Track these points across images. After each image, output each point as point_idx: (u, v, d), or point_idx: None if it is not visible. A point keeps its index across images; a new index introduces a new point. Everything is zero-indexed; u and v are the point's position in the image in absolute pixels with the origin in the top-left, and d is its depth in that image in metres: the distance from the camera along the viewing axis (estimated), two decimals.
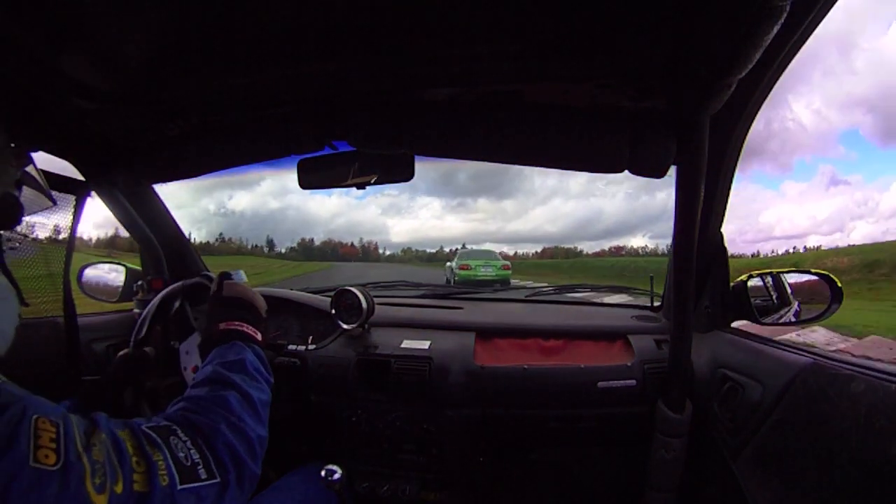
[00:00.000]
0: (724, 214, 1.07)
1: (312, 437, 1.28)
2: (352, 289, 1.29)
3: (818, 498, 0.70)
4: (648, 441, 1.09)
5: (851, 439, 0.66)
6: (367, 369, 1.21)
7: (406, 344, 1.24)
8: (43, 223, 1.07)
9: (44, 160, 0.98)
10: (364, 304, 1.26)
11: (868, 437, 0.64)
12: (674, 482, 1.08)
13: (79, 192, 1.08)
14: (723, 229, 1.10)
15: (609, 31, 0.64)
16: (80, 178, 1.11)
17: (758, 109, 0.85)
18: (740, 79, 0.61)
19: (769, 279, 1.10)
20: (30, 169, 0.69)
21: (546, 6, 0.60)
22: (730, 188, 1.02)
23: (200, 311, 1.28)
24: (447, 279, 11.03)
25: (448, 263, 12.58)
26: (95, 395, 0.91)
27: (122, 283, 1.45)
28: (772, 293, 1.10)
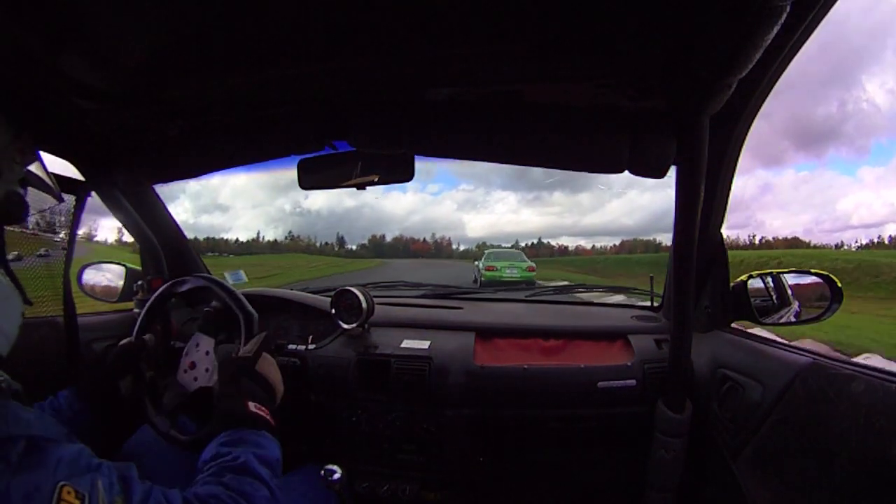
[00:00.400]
0: (724, 214, 1.07)
1: (312, 437, 1.28)
2: (352, 289, 1.29)
3: (818, 498, 0.70)
4: (648, 441, 1.09)
5: (851, 439, 0.66)
6: (367, 369, 1.21)
7: (406, 344, 1.24)
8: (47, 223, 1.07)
9: (44, 160, 0.99)
10: (364, 304, 1.26)
11: (868, 437, 0.64)
12: (674, 482, 1.08)
13: (79, 192, 1.08)
14: (723, 229, 1.10)
15: (609, 31, 0.64)
16: (80, 178, 1.11)
17: (758, 109, 0.85)
18: (740, 79, 0.61)
19: (769, 279, 1.10)
20: (34, 167, 0.68)
21: (546, 6, 0.60)
22: (730, 188, 1.02)
23: (200, 311, 1.28)
24: (475, 278, 11.27)
25: (476, 262, 12.85)
26: (95, 383, 0.91)
27: (122, 283, 1.45)
28: (772, 293, 1.10)
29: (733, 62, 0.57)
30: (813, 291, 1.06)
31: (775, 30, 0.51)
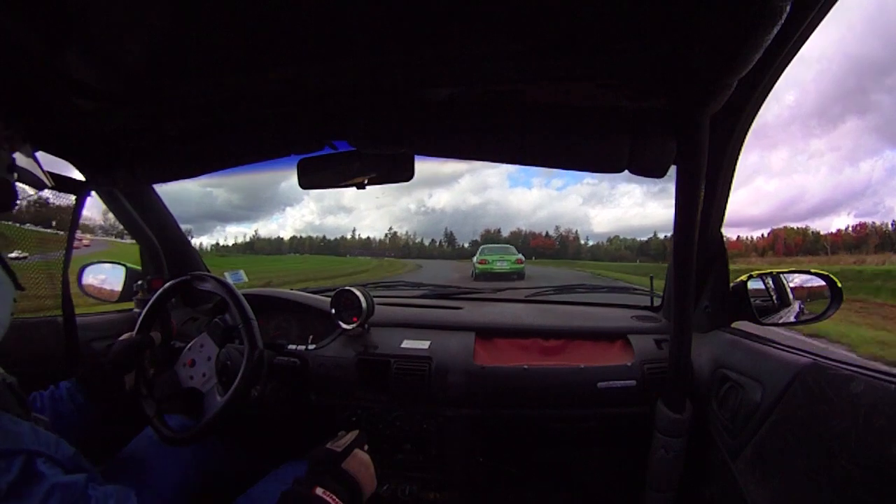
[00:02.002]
0: (724, 214, 1.07)
1: (312, 437, 1.28)
2: (352, 289, 1.29)
3: (817, 498, 0.70)
4: (648, 441, 1.09)
5: (851, 439, 0.66)
6: (366, 369, 1.21)
7: (406, 344, 1.24)
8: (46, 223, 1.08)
9: (44, 160, 0.99)
10: (364, 304, 1.26)
11: (868, 438, 0.64)
12: (674, 482, 1.08)
13: (79, 192, 1.08)
14: (722, 229, 1.10)
15: (609, 31, 0.64)
16: (80, 178, 1.11)
17: (758, 109, 0.85)
18: (740, 79, 0.61)
19: (769, 280, 1.10)
20: (19, 156, 0.67)
21: (546, 6, 0.60)
22: (730, 188, 1.02)
23: (200, 311, 1.28)
24: (472, 272, 12.15)
25: (473, 259, 13.78)
26: (95, 377, 0.91)
27: (121, 283, 1.45)
28: (772, 294, 1.10)
29: (733, 62, 0.57)
30: (813, 292, 1.06)
31: (775, 30, 0.51)
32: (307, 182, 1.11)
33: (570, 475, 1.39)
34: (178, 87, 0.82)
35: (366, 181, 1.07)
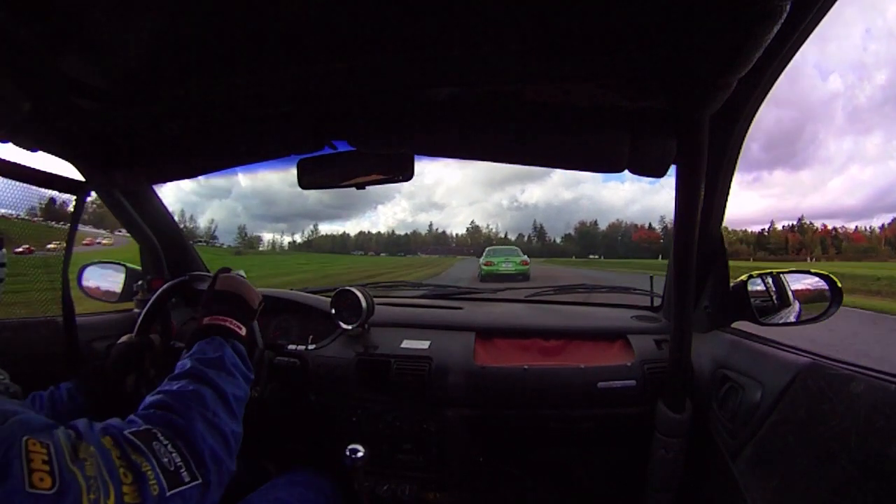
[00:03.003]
0: (724, 214, 1.07)
1: (312, 437, 1.28)
2: (352, 289, 1.29)
3: (817, 498, 0.70)
4: (648, 441, 1.09)
5: (851, 439, 0.66)
6: (366, 369, 1.21)
7: (406, 344, 1.24)
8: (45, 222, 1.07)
9: (44, 160, 0.99)
10: (364, 304, 1.26)
11: (867, 438, 0.64)
12: (674, 482, 1.08)
13: (79, 192, 1.08)
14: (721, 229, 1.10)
15: (609, 31, 0.64)
16: (80, 178, 1.11)
17: (758, 109, 0.85)
18: (740, 79, 0.61)
19: (769, 280, 1.10)
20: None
21: (546, 6, 0.60)
22: (730, 188, 1.02)
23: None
24: (478, 273, 12.36)
25: (479, 260, 14.06)
26: (96, 378, 0.91)
27: (122, 283, 1.45)
28: (772, 294, 1.10)
29: (733, 62, 0.57)
30: (813, 292, 1.06)
31: (775, 30, 0.51)
32: (307, 182, 1.11)
33: (570, 475, 1.39)
34: (178, 87, 0.82)
35: (367, 181, 1.07)
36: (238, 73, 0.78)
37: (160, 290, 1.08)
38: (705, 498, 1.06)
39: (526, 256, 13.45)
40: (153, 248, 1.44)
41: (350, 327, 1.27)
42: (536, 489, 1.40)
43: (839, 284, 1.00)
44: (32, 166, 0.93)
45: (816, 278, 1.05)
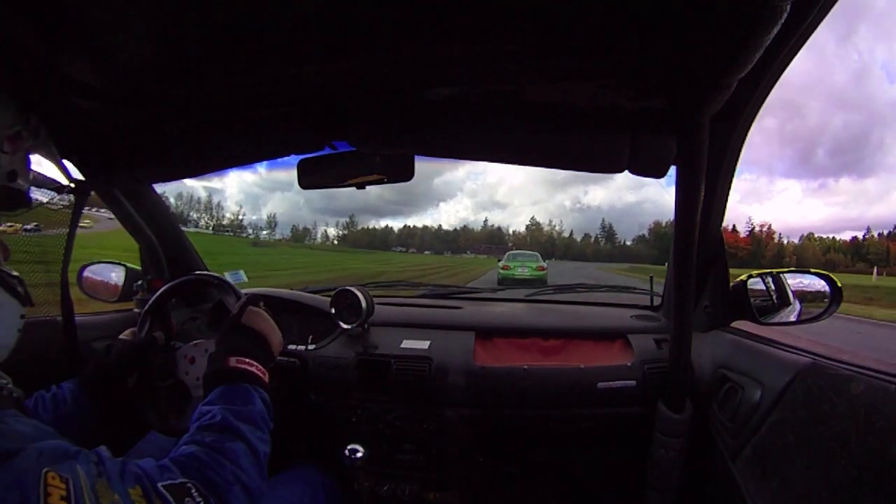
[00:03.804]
0: (724, 214, 1.07)
1: (312, 437, 1.28)
2: (351, 288, 1.29)
3: (817, 498, 0.70)
4: (648, 441, 1.09)
5: (851, 440, 0.66)
6: (366, 369, 1.21)
7: (406, 344, 1.24)
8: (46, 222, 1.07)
9: (44, 160, 0.98)
10: (364, 304, 1.26)
11: (867, 438, 0.64)
12: (674, 482, 1.08)
13: (79, 193, 1.08)
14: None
15: (609, 31, 0.64)
16: (81, 178, 1.11)
17: (758, 109, 0.85)
18: (740, 79, 0.61)
19: (769, 279, 1.10)
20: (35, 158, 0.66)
21: (546, 6, 0.60)
22: (730, 188, 1.02)
23: (200, 310, 1.28)
24: (497, 277, 12.76)
25: (498, 264, 14.62)
26: (98, 377, 0.90)
27: (121, 283, 1.45)
28: (772, 293, 1.10)
29: (733, 62, 0.57)
30: (813, 291, 1.06)
31: (775, 30, 0.51)
32: (307, 182, 1.11)
33: (571, 475, 1.39)
34: (178, 87, 0.82)
35: (367, 181, 1.07)
36: (238, 73, 0.78)
37: (161, 290, 1.08)
38: (705, 498, 1.06)
39: (543, 262, 13.78)
40: (153, 247, 1.44)
41: (350, 327, 1.27)
42: (536, 489, 1.40)
43: (839, 284, 1.00)
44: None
45: (816, 278, 1.05)
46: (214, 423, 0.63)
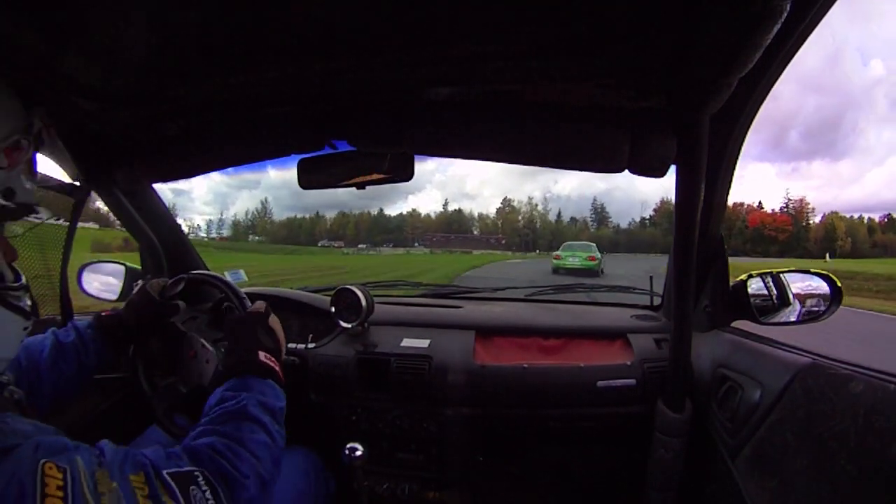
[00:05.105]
0: (723, 214, 1.07)
1: (312, 436, 1.29)
2: (351, 287, 1.29)
3: (816, 498, 0.70)
4: (648, 441, 1.09)
5: (850, 439, 0.66)
6: (366, 368, 1.21)
7: (406, 342, 1.24)
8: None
9: (44, 160, 0.99)
10: (364, 303, 1.26)
11: (867, 438, 0.64)
12: (674, 482, 1.08)
13: (79, 192, 1.08)
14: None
15: (609, 31, 0.64)
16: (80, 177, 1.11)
17: (758, 109, 0.85)
18: (740, 79, 0.61)
19: (769, 279, 1.10)
20: (21, 170, 0.62)
21: (546, 6, 0.60)
22: (730, 188, 1.02)
23: (200, 310, 1.28)
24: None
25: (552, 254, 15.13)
26: (114, 321, 0.93)
27: (121, 283, 1.45)
28: (772, 293, 1.10)
29: (733, 62, 0.57)
30: (813, 291, 1.06)
31: (775, 30, 0.51)
32: (307, 182, 1.11)
33: (570, 474, 1.39)
34: (178, 87, 0.82)
35: (367, 181, 1.07)
36: (238, 73, 0.78)
37: (200, 274, 1.08)
38: (705, 498, 1.06)
39: (596, 253, 13.77)
40: (153, 247, 1.44)
41: (350, 326, 1.28)
42: (536, 488, 1.40)
43: (839, 284, 1.00)
44: None
45: (816, 278, 1.05)
46: (237, 410, 0.63)
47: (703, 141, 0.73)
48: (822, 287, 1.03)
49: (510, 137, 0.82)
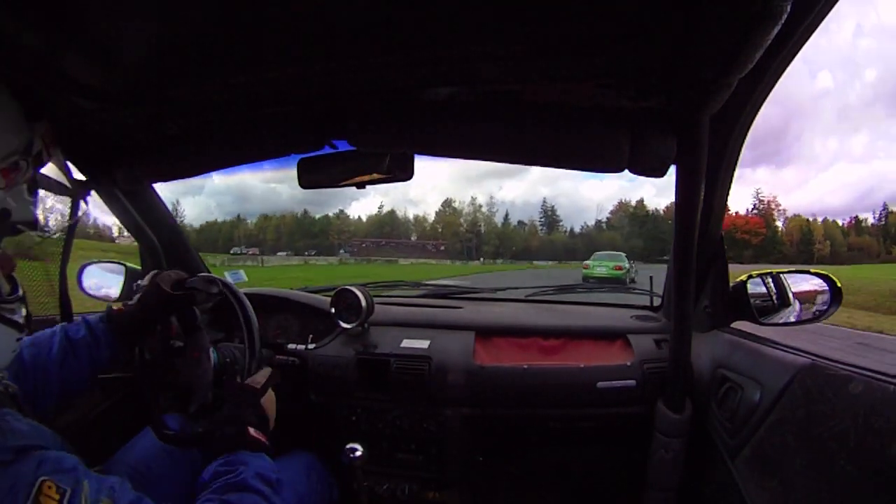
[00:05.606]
0: (724, 214, 1.07)
1: (312, 436, 1.29)
2: (351, 288, 1.29)
3: (816, 498, 0.70)
4: (648, 441, 1.09)
5: (849, 440, 0.66)
6: (366, 368, 1.21)
7: (406, 343, 1.24)
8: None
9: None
10: (364, 304, 1.26)
11: (866, 438, 0.64)
12: (673, 482, 1.08)
13: (78, 192, 1.08)
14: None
15: (609, 31, 0.64)
16: (81, 177, 1.11)
17: (758, 109, 0.86)
18: (740, 79, 0.61)
19: (769, 280, 1.10)
20: (19, 190, 0.62)
21: (545, 6, 0.60)
22: (730, 188, 1.02)
23: (200, 310, 1.28)
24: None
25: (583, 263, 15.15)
26: (125, 316, 0.92)
27: (121, 283, 1.45)
28: (772, 294, 1.10)
29: (733, 62, 0.57)
30: (813, 292, 1.06)
31: (775, 30, 0.51)
32: (307, 181, 1.11)
33: (570, 475, 1.39)
34: (178, 87, 0.82)
35: (367, 180, 1.07)
36: (238, 73, 0.78)
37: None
38: (705, 498, 1.06)
39: (624, 262, 14.07)
40: (153, 247, 1.44)
41: (350, 326, 1.28)
42: (536, 488, 1.40)
43: (839, 284, 1.00)
44: None
45: (817, 278, 1.05)
46: (238, 482, 0.65)
47: (703, 141, 0.73)
48: (822, 287, 1.03)
49: (510, 137, 0.82)
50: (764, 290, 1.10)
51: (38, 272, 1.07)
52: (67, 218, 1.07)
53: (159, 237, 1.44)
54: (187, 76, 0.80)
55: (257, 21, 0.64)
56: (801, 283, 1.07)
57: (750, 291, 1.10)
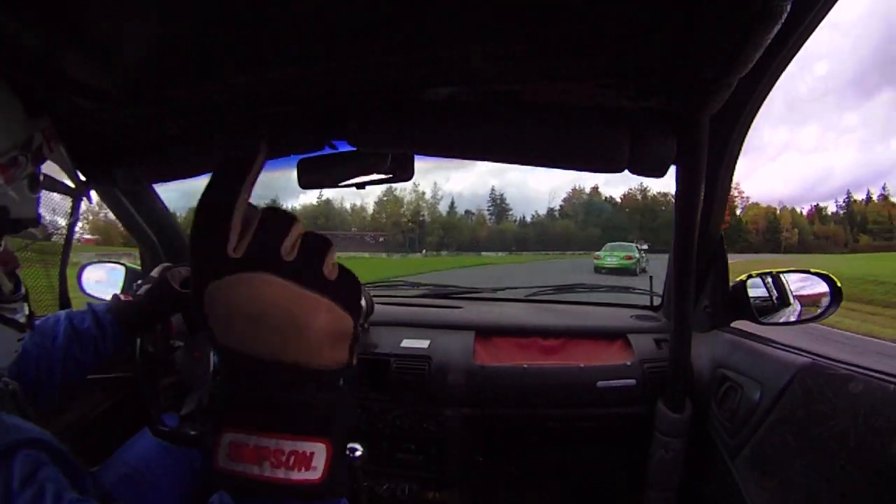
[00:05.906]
0: (724, 214, 1.07)
1: None
2: None
3: (816, 498, 0.70)
4: (648, 441, 1.09)
5: (850, 439, 0.66)
6: (366, 368, 1.21)
7: (405, 343, 1.24)
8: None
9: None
10: (363, 303, 1.26)
11: (866, 437, 0.64)
12: (673, 482, 1.08)
13: (78, 192, 1.08)
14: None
15: (609, 31, 0.64)
16: (80, 177, 1.11)
17: (758, 109, 0.86)
18: (740, 78, 0.61)
19: (769, 279, 1.10)
20: (18, 186, 0.61)
21: (546, 6, 0.60)
22: (730, 188, 1.02)
23: None
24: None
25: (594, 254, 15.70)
26: (131, 307, 0.91)
27: (121, 283, 1.45)
28: (772, 293, 1.10)
29: (733, 62, 0.57)
30: (813, 291, 1.06)
31: (775, 30, 0.51)
32: (307, 182, 1.11)
33: (570, 475, 1.39)
34: (178, 87, 0.82)
35: (367, 181, 1.07)
36: (238, 73, 0.78)
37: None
38: (705, 498, 1.06)
39: (634, 252, 14.35)
40: (153, 247, 1.44)
41: None
42: (536, 488, 1.40)
43: (839, 284, 1.00)
44: None
45: (816, 278, 1.05)
46: None
47: (703, 141, 0.73)
48: (822, 287, 1.04)
49: (510, 137, 0.82)
50: (764, 289, 1.11)
51: (38, 271, 1.07)
52: (68, 217, 1.08)
53: (159, 237, 1.44)
54: (187, 76, 0.80)
55: (257, 21, 0.64)
56: (802, 282, 1.08)
57: (750, 291, 1.10)
